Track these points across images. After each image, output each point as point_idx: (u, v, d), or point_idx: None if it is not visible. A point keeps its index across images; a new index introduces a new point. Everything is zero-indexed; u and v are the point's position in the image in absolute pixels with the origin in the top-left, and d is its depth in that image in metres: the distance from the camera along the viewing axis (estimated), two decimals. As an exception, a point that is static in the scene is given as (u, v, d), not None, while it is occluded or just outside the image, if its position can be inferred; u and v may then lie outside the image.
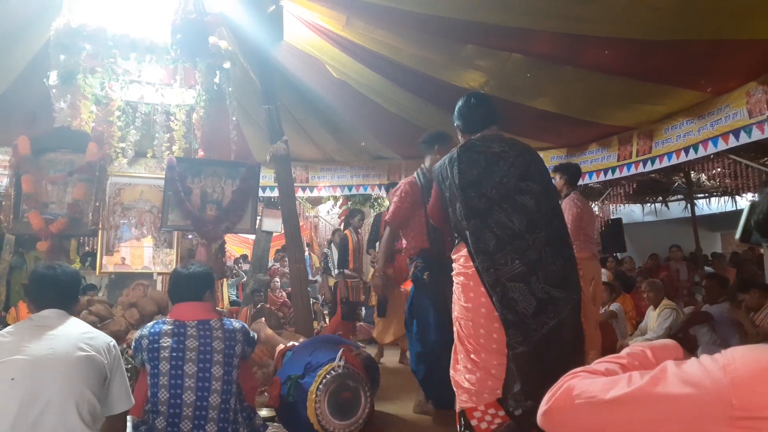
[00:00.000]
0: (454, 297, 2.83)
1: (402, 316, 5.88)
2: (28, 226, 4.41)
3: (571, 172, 5.09)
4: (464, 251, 2.73)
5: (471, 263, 2.68)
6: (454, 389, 2.75)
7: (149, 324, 2.72)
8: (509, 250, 2.58)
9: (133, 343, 2.69)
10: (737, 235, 1.08)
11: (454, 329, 2.82)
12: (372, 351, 6.04)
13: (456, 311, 2.81)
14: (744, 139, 5.19)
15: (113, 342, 2.27)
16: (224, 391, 2.58)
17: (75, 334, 2.15)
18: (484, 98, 2.96)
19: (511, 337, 2.54)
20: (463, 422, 2.68)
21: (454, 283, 2.85)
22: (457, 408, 2.71)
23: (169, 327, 2.61)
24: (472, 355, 2.68)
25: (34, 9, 4.92)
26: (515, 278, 2.55)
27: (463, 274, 2.75)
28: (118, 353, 2.28)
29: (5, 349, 2.05)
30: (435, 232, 3.79)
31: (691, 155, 5.91)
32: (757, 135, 5.05)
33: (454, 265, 2.86)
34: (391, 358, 6.31)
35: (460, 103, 2.97)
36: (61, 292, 2.27)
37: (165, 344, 2.56)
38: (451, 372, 2.80)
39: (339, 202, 9.61)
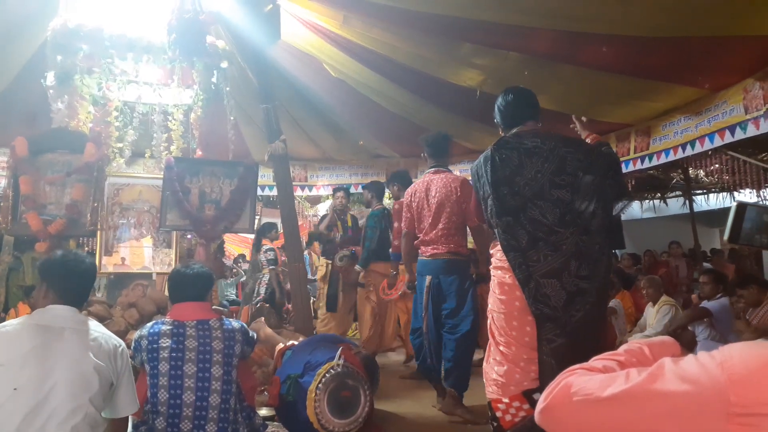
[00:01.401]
0: (490, 289, 2.86)
1: (345, 314, 6.11)
2: (26, 227, 4.42)
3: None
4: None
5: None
6: (484, 380, 2.79)
7: (148, 324, 2.72)
8: (542, 246, 2.60)
9: (132, 344, 2.69)
10: (725, 236, 1.08)
11: (488, 322, 2.85)
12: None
13: (490, 303, 2.83)
14: (739, 135, 5.20)
15: (122, 346, 2.20)
16: (224, 391, 2.58)
17: (84, 340, 2.08)
18: (521, 93, 2.92)
19: (548, 330, 2.57)
20: (490, 413, 2.72)
21: (491, 276, 2.87)
22: (486, 398, 2.76)
23: (168, 327, 2.61)
24: (501, 348, 2.71)
25: (30, 9, 4.91)
26: (548, 274, 2.58)
27: (500, 267, 2.77)
28: (127, 357, 2.22)
29: (11, 348, 1.99)
30: None
31: (689, 151, 5.92)
32: (752, 131, 5.05)
33: (492, 259, 2.88)
34: (393, 358, 6.31)
35: (501, 99, 2.94)
36: (81, 287, 2.21)
37: (164, 345, 2.57)
38: (484, 364, 2.85)
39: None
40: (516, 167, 2.68)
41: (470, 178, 3.73)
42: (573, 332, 2.55)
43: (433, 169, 4.24)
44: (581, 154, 2.71)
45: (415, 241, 4.25)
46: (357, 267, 5.51)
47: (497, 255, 2.79)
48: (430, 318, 4.08)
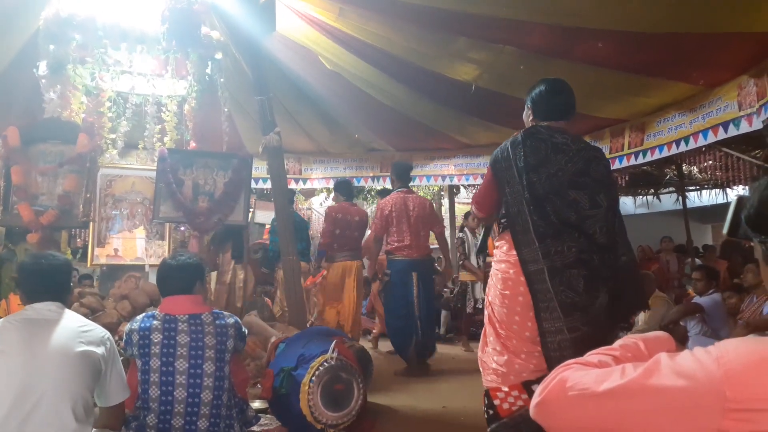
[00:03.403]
0: (491, 282, 2.86)
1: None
2: (18, 217, 4.38)
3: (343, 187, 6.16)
4: (508, 238, 2.74)
5: (513, 251, 2.69)
6: (481, 369, 2.82)
7: (139, 317, 2.67)
8: (566, 238, 2.62)
9: (124, 337, 2.67)
10: (725, 230, 1.07)
11: (486, 313, 2.86)
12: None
13: (490, 296, 2.84)
14: (732, 131, 5.22)
15: (108, 335, 2.26)
16: (216, 387, 2.55)
17: (71, 328, 2.13)
18: (562, 90, 2.84)
19: (575, 320, 2.58)
20: (487, 401, 2.74)
21: (492, 269, 2.87)
22: (483, 387, 2.78)
23: (159, 322, 2.57)
24: (502, 340, 2.73)
25: (22, -2, 4.86)
26: (571, 265, 2.60)
27: (504, 261, 2.76)
28: (113, 346, 2.27)
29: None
30: None
31: (682, 147, 5.94)
32: (744, 127, 5.07)
33: (495, 251, 2.88)
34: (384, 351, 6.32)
35: (540, 87, 2.85)
36: (53, 283, 2.23)
37: (156, 340, 2.53)
38: (479, 354, 2.87)
39: (332, 194, 9.60)
40: (542, 159, 2.67)
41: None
42: (593, 321, 2.59)
43: (404, 189, 5.42)
44: (606, 163, 2.80)
45: (395, 245, 5.26)
46: (263, 269, 5.98)
47: (503, 248, 2.77)
48: (422, 303, 5.19)
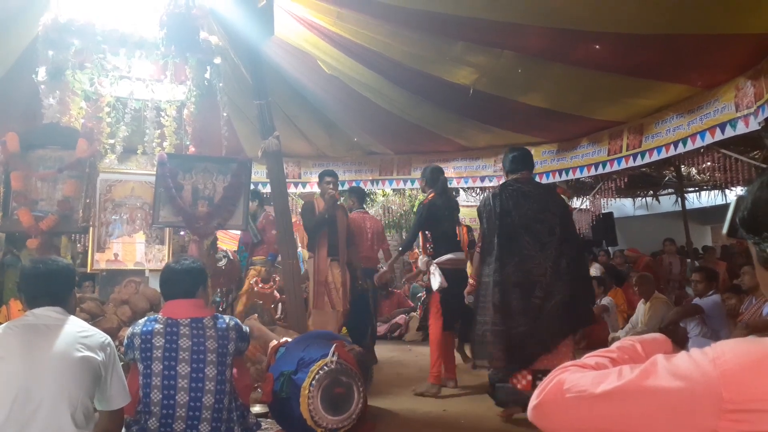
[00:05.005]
0: None
1: None
2: (17, 223, 4.37)
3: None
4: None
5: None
6: None
7: (141, 321, 2.68)
8: (517, 262, 3.69)
9: (125, 341, 2.67)
10: (724, 230, 1.07)
11: None
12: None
13: None
14: (729, 132, 5.22)
15: (108, 339, 2.25)
16: (218, 391, 2.57)
17: (71, 333, 2.12)
18: (522, 152, 4.10)
19: (498, 319, 3.64)
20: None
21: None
22: None
23: (161, 326, 2.58)
24: None
25: (21, 4, 4.87)
26: (515, 284, 3.67)
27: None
28: (114, 351, 2.26)
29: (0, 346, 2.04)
30: None
31: (680, 149, 5.94)
32: (741, 128, 5.07)
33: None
34: (386, 354, 6.32)
35: (506, 153, 4.14)
36: (53, 288, 2.22)
37: (158, 344, 2.54)
38: None
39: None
40: (514, 203, 3.78)
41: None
42: (506, 334, 3.64)
43: (362, 209, 6.67)
44: (560, 201, 4.00)
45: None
46: None
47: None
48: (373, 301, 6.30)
